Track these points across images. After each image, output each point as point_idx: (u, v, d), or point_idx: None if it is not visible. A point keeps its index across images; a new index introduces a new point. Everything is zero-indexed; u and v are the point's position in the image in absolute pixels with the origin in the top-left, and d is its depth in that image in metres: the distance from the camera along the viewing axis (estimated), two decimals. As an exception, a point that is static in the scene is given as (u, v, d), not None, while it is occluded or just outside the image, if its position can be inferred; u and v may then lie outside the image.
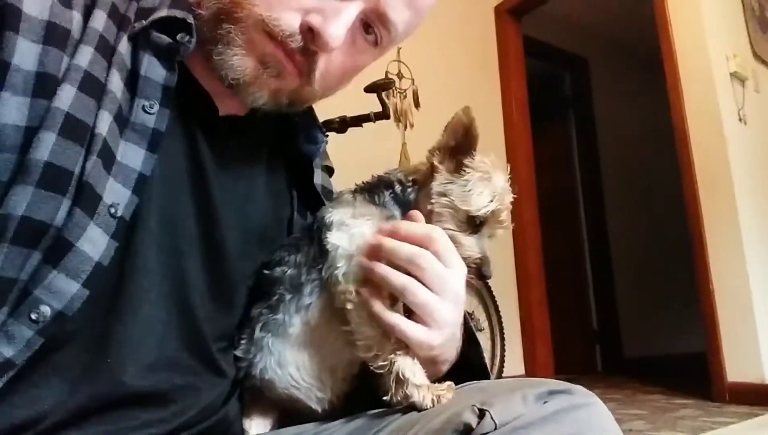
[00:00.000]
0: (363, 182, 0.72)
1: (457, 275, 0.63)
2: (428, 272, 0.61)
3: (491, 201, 0.65)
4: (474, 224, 0.66)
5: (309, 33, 0.59)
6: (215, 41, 0.60)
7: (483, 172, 0.66)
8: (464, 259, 0.65)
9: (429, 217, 0.66)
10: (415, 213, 0.66)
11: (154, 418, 0.56)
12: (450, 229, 0.66)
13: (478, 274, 0.66)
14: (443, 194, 0.66)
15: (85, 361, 0.52)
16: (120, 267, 0.55)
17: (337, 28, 0.59)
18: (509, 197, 0.69)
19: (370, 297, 0.61)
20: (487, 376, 0.72)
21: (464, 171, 0.66)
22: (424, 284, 0.60)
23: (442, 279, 0.61)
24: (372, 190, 0.69)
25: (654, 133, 4.39)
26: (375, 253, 0.62)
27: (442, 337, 0.62)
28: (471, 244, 0.66)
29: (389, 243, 0.61)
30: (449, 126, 0.68)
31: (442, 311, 0.61)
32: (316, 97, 0.68)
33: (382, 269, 0.61)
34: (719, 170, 2.80)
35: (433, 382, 0.61)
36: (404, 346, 0.61)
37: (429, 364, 0.63)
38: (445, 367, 0.67)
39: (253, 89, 0.62)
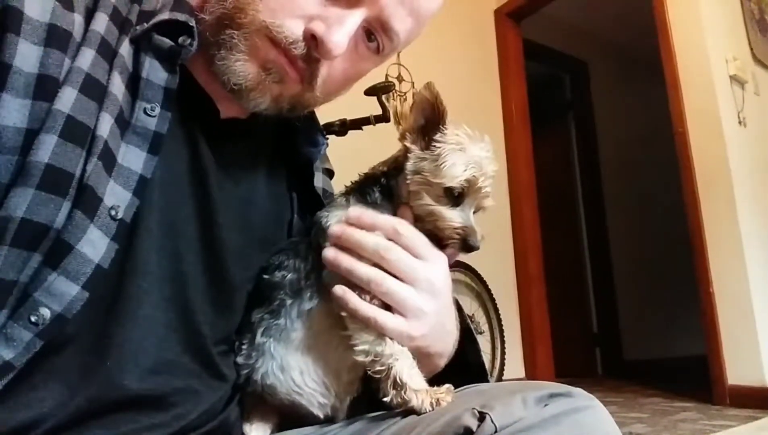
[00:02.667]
0: (352, 182, 0.71)
1: (430, 265, 0.63)
2: (395, 263, 0.61)
3: (465, 170, 0.64)
4: (453, 196, 0.65)
5: (312, 40, 0.59)
6: (218, 46, 0.60)
7: (455, 143, 0.65)
8: (445, 230, 0.64)
9: (409, 199, 0.66)
10: (403, 211, 0.66)
11: (154, 422, 0.56)
12: (429, 205, 0.65)
13: (465, 245, 0.65)
14: (417, 172, 0.66)
15: (84, 364, 0.52)
16: (120, 269, 0.55)
17: (340, 36, 0.59)
18: (490, 167, 0.66)
19: (344, 293, 0.61)
20: (485, 374, 0.73)
21: (434, 146, 0.65)
22: (393, 276, 0.61)
23: (412, 269, 0.62)
24: (362, 189, 0.69)
25: (654, 135, 4.39)
26: (341, 244, 0.62)
27: (422, 327, 0.62)
28: (453, 216, 0.65)
29: (355, 234, 0.62)
30: (414, 105, 0.67)
31: (415, 301, 0.62)
32: (317, 103, 0.68)
33: (348, 262, 0.61)
34: (719, 173, 2.80)
35: (432, 381, 0.61)
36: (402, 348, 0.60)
37: (421, 357, 0.63)
38: (442, 362, 0.67)
39: (255, 95, 0.62)
